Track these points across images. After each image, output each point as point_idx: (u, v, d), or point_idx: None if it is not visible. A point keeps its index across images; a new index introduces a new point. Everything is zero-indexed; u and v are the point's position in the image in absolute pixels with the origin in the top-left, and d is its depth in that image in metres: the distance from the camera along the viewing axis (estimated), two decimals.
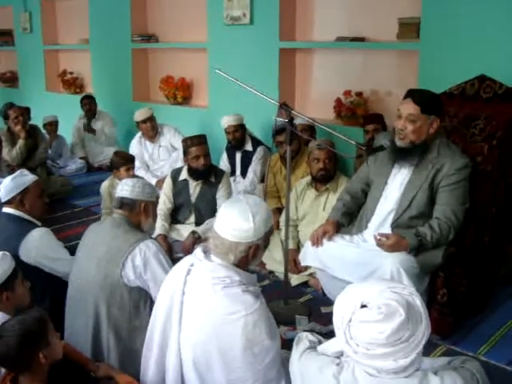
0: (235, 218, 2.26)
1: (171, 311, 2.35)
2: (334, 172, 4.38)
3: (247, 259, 2.33)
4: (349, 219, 3.69)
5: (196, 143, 4.66)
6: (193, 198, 4.78)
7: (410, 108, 3.31)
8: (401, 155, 3.41)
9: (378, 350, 1.72)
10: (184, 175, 4.80)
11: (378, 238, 3.28)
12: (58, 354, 2.27)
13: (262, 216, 2.29)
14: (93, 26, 8.55)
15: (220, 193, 4.73)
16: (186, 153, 4.73)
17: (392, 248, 3.24)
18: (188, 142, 4.71)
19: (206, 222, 4.67)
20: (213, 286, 2.26)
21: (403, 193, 3.43)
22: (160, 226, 4.64)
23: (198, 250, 2.39)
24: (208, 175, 4.72)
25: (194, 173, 4.72)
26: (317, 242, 3.57)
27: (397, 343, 1.71)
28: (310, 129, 5.35)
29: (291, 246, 4.31)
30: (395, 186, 3.48)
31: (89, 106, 7.82)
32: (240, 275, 2.29)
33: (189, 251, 4.45)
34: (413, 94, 3.35)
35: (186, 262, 2.39)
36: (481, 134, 3.73)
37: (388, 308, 1.72)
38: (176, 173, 4.90)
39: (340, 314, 1.80)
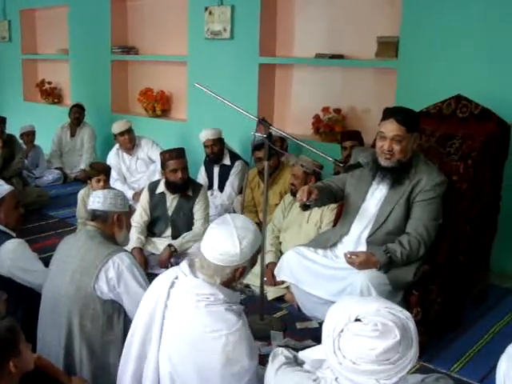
0: (222, 243, 2.23)
1: (152, 324, 2.32)
2: None
3: (233, 279, 2.32)
4: (322, 196, 3.55)
5: (174, 156, 4.63)
6: (169, 212, 4.75)
7: (395, 129, 3.29)
8: (386, 174, 3.43)
9: (364, 366, 1.71)
10: (161, 188, 4.77)
11: (348, 255, 3.29)
12: (28, 365, 2.23)
13: (250, 240, 2.25)
14: (72, 37, 8.53)
15: (197, 207, 4.70)
16: (163, 166, 4.69)
17: (362, 265, 3.25)
18: (166, 156, 4.68)
19: (183, 235, 4.65)
20: (196, 303, 2.24)
21: (380, 208, 3.46)
22: (136, 239, 4.60)
23: (184, 264, 2.36)
24: (185, 189, 4.70)
25: (171, 186, 4.69)
26: (304, 195, 3.43)
27: (384, 363, 1.70)
28: (281, 140, 5.37)
29: (271, 258, 4.33)
30: (373, 202, 3.50)
31: (78, 114, 7.79)
32: (224, 293, 2.27)
33: (165, 265, 4.45)
34: (395, 114, 3.32)
35: (169, 274, 2.37)
36: (456, 153, 3.77)
37: (384, 327, 1.71)
38: (153, 186, 4.87)
39: (332, 322, 1.78)
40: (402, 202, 3.38)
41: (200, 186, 4.90)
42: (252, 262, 2.34)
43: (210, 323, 2.20)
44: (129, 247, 4.38)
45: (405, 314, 1.79)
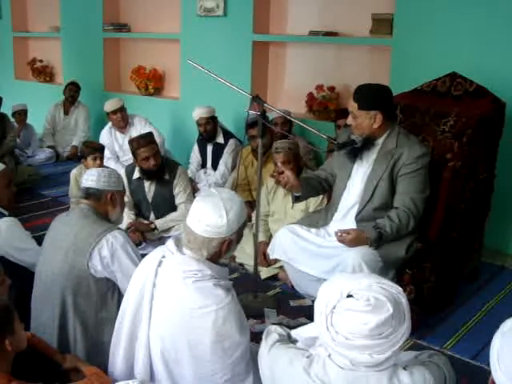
0: (209, 214, 2.23)
1: (141, 303, 2.32)
2: (298, 172, 4.36)
3: (220, 253, 2.31)
4: (307, 187, 3.61)
5: (143, 144, 4.47)
6: (149, 197, 4.69)
7: (350, 105, 3.40)
8: (353, 150, 3.46)
9: (357, 341, 1.71)
10: (137, 174, 4.66)
11: (339, 234, 3.29)
12: (22, 344, 2.24)
13: (236, 211, 2.26)
14: (64, 14, 8.42)
15: (177, 189, 4.63)
16: (134, 155, 4.56)
17: (353, 243, 3.27)
18: (134, 144, 4.52)
19: (168, 215, 4.64)
20: (184, 280, 2.24)
21: (365, 185, 3.46)
22: (128, 215, 4.59)
23: (170, 242, 2.36)
24: (161, 174, 4.59)
25: (146, 174, 4.58)
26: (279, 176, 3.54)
27: (377, 338, 1.71)
28: (289, 122, 5.33)
29: (262, 238, 4.33)
30: (358, 179, 3.51)
31: (73, 92, 7.74)
32: (212, 269, 2.27)
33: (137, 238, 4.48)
34: (355, 91, 3.40)
35: (157, 253, 2.37)
36: (451, 131, 3.76)
37: (377, 301, 1.72)
38: (129, 170, 4.76)
39: (325, 299, 1.78)
40: (385, 177, 3.38)
41: (176, 165, 4.76)
42: (238, 235, 2.34)
43: (198, 299, 2.20)
44: (123, 224, 4.39)
45: (396, 289, 1.80)
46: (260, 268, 4.17)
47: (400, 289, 1.82)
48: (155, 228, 4.58)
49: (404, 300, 1.80)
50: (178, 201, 4.66)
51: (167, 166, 4.67)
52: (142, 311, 2.32)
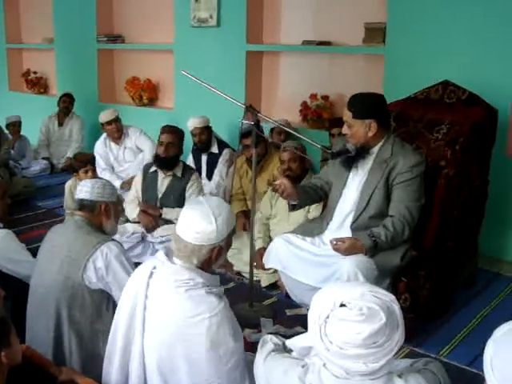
0: (198, 221, 2.24)
1: (134, 315, 2.32)
2: (302, 173, 4.43)
3: (210, 261, 2.32)
4: (303, 196, 3.63)
5: (165, 131, 4.77)
6: (159, 193, 4.76)
7: (345, 115, 3.41)
8: (348, 159, 3.47)
9: (352, 350, 1.71)
10: (155, 167, 4.83)
11: (334, 242, 3.30)
12: (17, 357, 2.22)
13: (224, 218, 2.28)
14: (57, 25, 8.44)
15: (190, 191, 4.70)
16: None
17: (348, 251, 3.27)
18: (161, 129, 4.82)
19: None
20: (176, 289, 2.24)
21: (360, 193, 3.46)
22: (135, 208, 4.77)
23: (160, 253, 2.37)
24: (169, 166, 4.72)
25: (156, 159, 4.80)
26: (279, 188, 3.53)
27: (371, 346, 1.70)
28: (281, 132, 5.36)
29: (261, 244, 4.36)
30: (353, 188, 3.51)
31: (67, 104, 7.75)
32: (203, 277, 2.28)
33: (151, 224, 4.61)
34: (350, 100, 3.42)
35: (147, 265, 2.37)
36: (444, 138, 3.78)
37: (370, 310, 1.71)
38: (148, 166, 4.95)
39: (318, 309, 1.78)
40: (380, 186, 3.39)
41: (192, 170, 4.95)
42: (227, 242, 2.35)
43: (191, 308, 2.21)
44: (132, 216, 4.72)
45: (389, 297, 1.80)
46: (260, 276, 4.20)
47: (393, 297, 1.82)
48: (160, 215, 4.64)
49: (397, 308, 1.80)
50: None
51: (184, 167, 4.83)
52: (135, 323, 2.32)
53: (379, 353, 1.72)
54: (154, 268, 2.33)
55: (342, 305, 1.75)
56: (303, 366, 1.90)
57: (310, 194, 3.69)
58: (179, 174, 4.74)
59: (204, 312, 2.20)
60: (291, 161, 4.37)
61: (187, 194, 4.70)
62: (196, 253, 2.27)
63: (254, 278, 4.00)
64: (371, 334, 1.69)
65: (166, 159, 4.70)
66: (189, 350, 2.22)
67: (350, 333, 1.70)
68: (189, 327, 2.21)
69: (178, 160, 4.79)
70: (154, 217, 4.66)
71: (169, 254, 2.35)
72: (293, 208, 3.66)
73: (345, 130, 3.43)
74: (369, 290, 1.79)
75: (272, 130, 5.58)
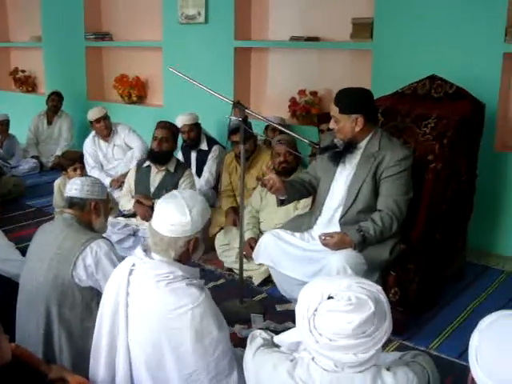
0: (172, 214, 2.27)
1: (117, 313, 2.34)
2: (295, 166, 4.44)
3: (188, 253, 2.35)
4: (292, 191, 3.63)
5: (160, 126, 4.83)
6: (152, 188, 4.80)
7: (332, 110, 3.42)
8: (336, 154, 3.48)
9: (341, 341, 1.72)
10: (148, 162, 4.89)
11: (323, 237, 3.31)
12: (6, 357, 2.22)
13: (199, 209, 2.31)
14: (45, 23, 8.41)
15: (182, 186, 4.72)
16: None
17: (336, 246, 3.28)
18: (156, 124, 4.87)
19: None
20: (156, 283, 2.26)
21: (348, 188, 3.47)
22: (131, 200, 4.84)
23: (138, 250, 2.39)
24: (161, 161, 4.77)
25: (149, 154, 4.85)
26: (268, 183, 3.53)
27: (361, 336, 1.72)
28: (274, 130, 5.35)
29: (250, 234, 4.37)
30: (341, 182, 3.52)
31: (56, 102, 7.72)
32: (182, 269, 2.30)
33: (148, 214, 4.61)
34: (336, 95, 3.43)
35: (126, 262, 2.39)
36: (432, 133, 3.79)
37: (358, 300, 1.73)
38: (142, 161, 5.03)
39: (306, 303, 1.79)
40: (368, 180, 3.40)
41: (185, 166, 4.99)
42: (204, 234, 2.38)
43: (173, 301, 2.23)
44: (127, 207, 4.80)
45: (376, 288, 1.83)
46: (252, 273, 4.21)
47: (379, 287, 1.84)
48: (152, 204, 4.66)
49: (384, 298, 1.82)
50: None
51: (177, 163, 4.89)
52: (118, 321, 2.34)
53: (369, 343, 1.74)
54: (133, 265, 2.35)
55: (330, 297, 1.76)
56: (292, 361, 1.91)
57: (299, 188, 3.70)
58: (172, 169, 4.79)
59: (186, 304, 2.22)
60: (287, 153, 4.37)
61: (180, 189, 4.69)
62: (172, 245, 2.29)
63: (246, 275, 4.00)
64: (361, 323, 1.71)
65: (160, 154, 4.75)
66: (174, 343, 2.24)
67: (339, 322, 1.72)
68: (172, 320, 2.23)
69: (171, 155, 4.84)
70: (147, 207, 4.70)
71: (146, 250, 2.37)
72: (281, 203, 3.67)
73: (332, 124, 3.44)
74: (355, 281, 1.81)
75: (267, 127, 5.58)
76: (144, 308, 2.28)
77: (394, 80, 4.55)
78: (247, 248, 4.18)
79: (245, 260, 3.99)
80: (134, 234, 4.65)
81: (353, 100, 3.39)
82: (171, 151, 4.83)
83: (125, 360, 2.33)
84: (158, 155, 4.76)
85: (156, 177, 4.82)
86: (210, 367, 2.27)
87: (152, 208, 4.66)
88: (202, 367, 2.26)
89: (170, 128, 4.84)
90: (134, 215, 4.81)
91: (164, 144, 4.73)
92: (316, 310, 1.76)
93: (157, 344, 2.25)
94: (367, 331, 1.73)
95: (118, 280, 2.35)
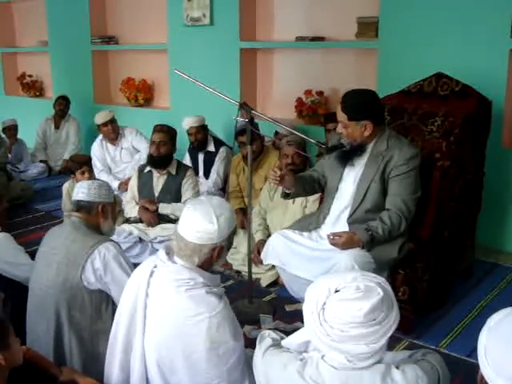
0: (199, 221, 2.24)
1: (135, 314, 2.33)
2: (302, 168, 4.44)
3: (211, 260, 2.32)
4: (299, 187, 3.61)
5: (157, 130, 4.81)
6: (156, 192, 4.80)
7: (340, 115, 3.37)
8: (343, 155, 3.47)
9: (353, 331, 1.73)
10: (149, 168, 4.87)
11: (331, 237, 3.31)
12: (17, 360, 2.23)
13: (226, 217, 2.28)
14: (51, 28, 8.45)
15: (185, 186, 4.74)
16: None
17: (345, 245, 3.27)
18: (154, 128, 4.87)
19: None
20: (176, 288, 2.25)
21: (357, 187, 3.47)
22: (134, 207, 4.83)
23: (161, 252, 2.37)
24: (162, 164, 4.76)
25: (149, 159, 4.82)
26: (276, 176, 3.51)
27: (372, 323, 1.73)
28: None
29: (260, 236, 4.36)
30: (349, 182, 3.51)
31: (63, 106, 7.74)
32: (204, 276, 2.28)
33: (153, 220, 4.68)
34: (343, 100, 3.36)
35: (148, 263, 2.38)
36: (438, 130, 3.79)
37: (367, 287, 1.76)
38: (143, 166, 5.00)
39: (313, 299, 1.80)
40: (377, 179, 3.39)
41: (187, 167, 4.97)
42: (229, 242, 2.36)
43: (191, 307, 2.21)
44: (132, 214, 4.77)
45: (380, 279, 1.85)
46: (260, 275, 4.20)
47: (383, 279, 1.87)
48: (157, 208, 4.69)
49: (389, 287, 1.84)
50: (185, 197, 4.74)
51: (178, 165, 4.86)
52: (135, 322, 2.33)
53: (379, 331, 1.75)
54: (155, 267, 2.33)
55: (337, 291, 1.78)
56: (301, 360, 1.91)
57: (306, 185, 3.68)
58: (174, 171, 4.78)
59: (204, 312, 2.20)
60: (295, 155, 4.33)
61: (183, 190, 4.75)
62: (197, 252, 2.27)
63: (254, 277, 4.00)
64: (371, 308, 1.73)
65: (159, 158, 4.74)
66: (188, 349, 2.23)
67: (350, 310, 1.74)
68: (189, 327, 2.22)
69: (171, 158, 4.81)
70: (152, 212, 4.70)
71: (169, 253, 2.36)
72: (286, 196, 3.66)
73: (340, 129, 3.40)
74: (360, 274, 1.84)
75: (276, 132, 5.54)
76: (161, 312, 2.28)
77: (400, 78, 4.54)
78: (255, 252, 4.17)
79: (253, 264, 3.99)
80: (140, 239, 4.64)
81: (360, 107, 3.34)
82: (171, 154, 4.80)
83: (140, 362, 2.32)
84: (157, 159, 4.74)
85: (158, 181, 4.82)
86: (223, 376, 2.25)
87: (157, 213, 4.69)
88: (214, 375, 2.25)
89: (167, 131, 4.83)
90: (139, 221, 4.80)
91: (162, 148, 4.71)
92: (325, 304, 1.78)
93: (171, 348, 2.25)
94: (377, 318, 1.75)
95: (138, 280, 2.35)
